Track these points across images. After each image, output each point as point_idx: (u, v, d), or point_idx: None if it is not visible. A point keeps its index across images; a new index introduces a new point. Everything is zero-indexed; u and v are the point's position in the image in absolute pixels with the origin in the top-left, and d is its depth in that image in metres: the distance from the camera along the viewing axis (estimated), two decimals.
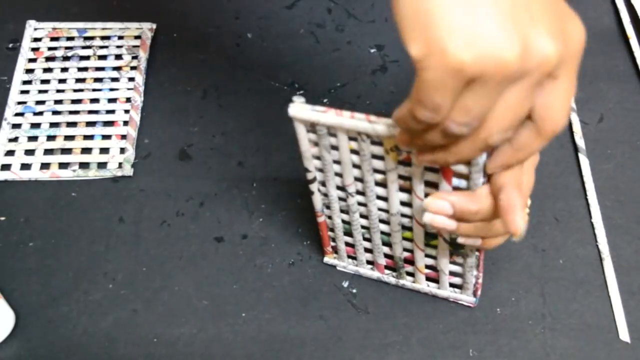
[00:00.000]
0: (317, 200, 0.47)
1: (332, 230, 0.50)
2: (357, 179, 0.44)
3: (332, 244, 0.52)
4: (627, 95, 0.63)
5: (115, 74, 0.64)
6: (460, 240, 0.42)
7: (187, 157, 0.60)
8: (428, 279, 0.51)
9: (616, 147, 0.60)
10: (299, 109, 0.40)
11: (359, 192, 0.45)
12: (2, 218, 0.57)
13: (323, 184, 0.46)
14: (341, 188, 0.45)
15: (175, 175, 0.59)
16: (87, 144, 0.60)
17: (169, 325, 0.51)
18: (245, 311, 0.52)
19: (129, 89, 0.64)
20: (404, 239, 0.48)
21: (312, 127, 0.41)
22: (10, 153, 0.60)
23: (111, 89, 0.64)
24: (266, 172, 0.58)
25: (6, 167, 0.59)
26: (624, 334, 0.51)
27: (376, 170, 0.42)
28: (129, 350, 0.50)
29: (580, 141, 0.60)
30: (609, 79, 0.64)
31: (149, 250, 0.55)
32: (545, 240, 0.55)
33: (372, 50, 0.66)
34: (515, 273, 0.54)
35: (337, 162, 0.43)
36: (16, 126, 0.61)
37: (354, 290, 0.53)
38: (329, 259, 0.54)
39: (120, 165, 0.59)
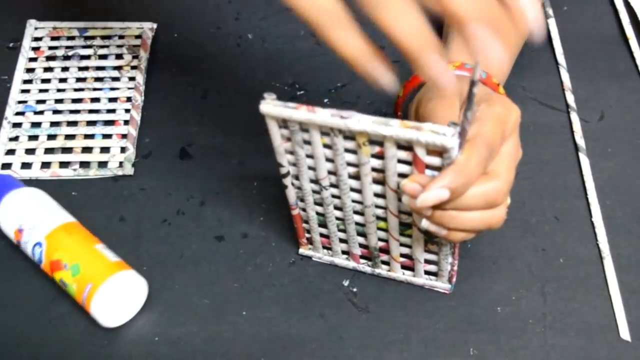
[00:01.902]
0: (291, 194, 0.48)
1: (306, 222, 0.51)
2: (330, 173, 0.44)
3: (307, 235, 0.52)
4: (627, 93, 0.64)
5: (116, 74, 0.64)
6: (424, 225, 0.42)
7: (188, 157, 0.60)
8: (403, 267, 0.51)
9: (616, 145, 0.60)
10: (270, 105, 0.40)
11: (332, 185, 0.45)
12: None
13: (296, 177, 0.46)
14: (315, 181, 0.46)
15: (176, 175, 0.59)
16: (88, 143, 0.60)
17: (170, 324, 0.51)
18: (245, 310, 0.52)
19: (129, 88, 0.64)
20: (379, 229, 0.48)
21: (284, 123, 0.41)
22: (10, 152, 0.60)
23: (112, 88, 0.64)
24: (266, 172, 0.58)
25: (7, 166, 0.59)
26: (625, 333, 0.51)
27: (349, 164, 0.43)
28: (129, 349, 0.50)
29: (580, 140, 0.60)
30: (609, 78, 0.64)
31: (150, 249, 0.55)
32: (545, 239, 0.55)
33: None
34: (515, 272, 0.54)
35: (310, 156, 0.43)
36: (17, 125, 0.61)
37: (355, 289, 0.53)
38: (304, 250, 0.54)
39: (120, 164, 0.59)
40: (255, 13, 0.70)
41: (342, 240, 0.51)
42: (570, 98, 0.63)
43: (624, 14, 0.69)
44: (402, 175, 0.42)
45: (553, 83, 0.64)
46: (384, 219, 0.47)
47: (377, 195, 0.45)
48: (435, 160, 0.39)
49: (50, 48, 0.66)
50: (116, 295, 0.49)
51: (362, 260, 0.53)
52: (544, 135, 0.61)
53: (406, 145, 0.39)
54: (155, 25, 0.68)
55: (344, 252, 0.53)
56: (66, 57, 0.66)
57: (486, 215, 0.41)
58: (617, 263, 0.54)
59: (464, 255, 0.54)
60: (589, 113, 0.62)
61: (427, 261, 0.50)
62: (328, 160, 0.43)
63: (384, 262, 0.52)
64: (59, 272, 0.50)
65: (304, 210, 0.49)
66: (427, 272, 0.51)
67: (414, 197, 0.39)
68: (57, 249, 0.50)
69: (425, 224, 0.42)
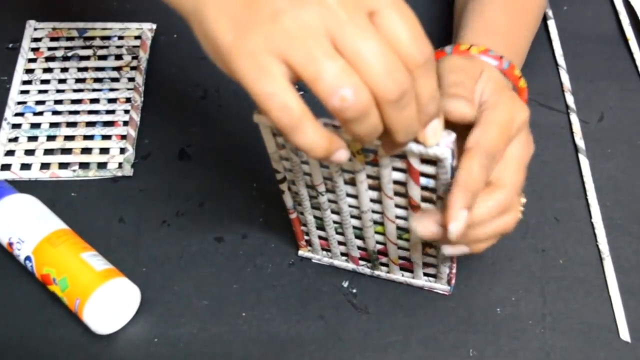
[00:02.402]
0: (288, 198, 0.48)
1: (304, 225, 0.51)
2: (326, 179, 0.44)
3: (306, 237, 0.52)
4: (627, 94, 0.64)
5: (115, 74, 0.64)
6: (448, 251, 0.42)
7: (187, 157, 0.60)
8: (402, 268, 0.51)
9: (616, 146, 0.60)
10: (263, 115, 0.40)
11: (329, 191, 0.45)
12: None
13: (293, 183, 0.46)
14: (311, 187, 0.46)
15: (175, 175, 0.59)
16: (87, 144, 0.60)
17: (169, 325, 0.51)
18: (245, 311, 0.52)
19: (129, 89, 0.64)
20: (376, 233, 0.48)
21: (278, 130, 0.41)
22: (10, 153, 0.60)
23: (111, 89, 0.63)
24: (266, 172, 0.58)
25: (6, 167, 0.59)
26: (624, 334, 0.51)
27: (345, 170, 0.43)
28: (129, 350, 0.50)
29: (580, 141, 0.60)
30: (609, 79, 0.64)
31: (149, 251, 0.55)
32: (545, 240, 0.55)
33: None
34: (515, 273, 0.54)
35: (305, 162, 0.43)
36: (16, 126, 0.61)
37: (354, 290, 0.53)
38: (303, 252, 0.54)
39: (120, 165, 0.59)
40: None
41: (340, 243, 0.51)
42: (570, 99, 0.63)
43: (624, 15, 0.69)
44: (398, 183, 0.41)
45: (553, 84, 0.64)
46: (381, 224, 0.47)
47: (373, 201, 0.45)
48: (429, 169, 0.39)
49: (50, 49, 0.66)
50: (106, 305, 0.49)
51: (361, 262, 0.53)
52: (543, 136, 0.61)
53: (400, 154, 0.39)
54: (154, 26, 0.68)
55: (343, 255, 0.53)
56: (65, 58, 0.66)
57: (501, 223, 0.42)
58: (616, 264, 0.54)
59: (464, 257, 0.54)
60: (588, 114, 0.62)
61: (425, 264, 0.50)
62: (323, 166, 0.43)
63: (383, 264, 0.52)
64: (50, 285, 0.50)
65: (301, 214, 0.49)
66: (426, 274, 0.51)
67: (433, 236, 0.40)
68: (44, 264, 0.50)
69: (448, 250, 0.42)
